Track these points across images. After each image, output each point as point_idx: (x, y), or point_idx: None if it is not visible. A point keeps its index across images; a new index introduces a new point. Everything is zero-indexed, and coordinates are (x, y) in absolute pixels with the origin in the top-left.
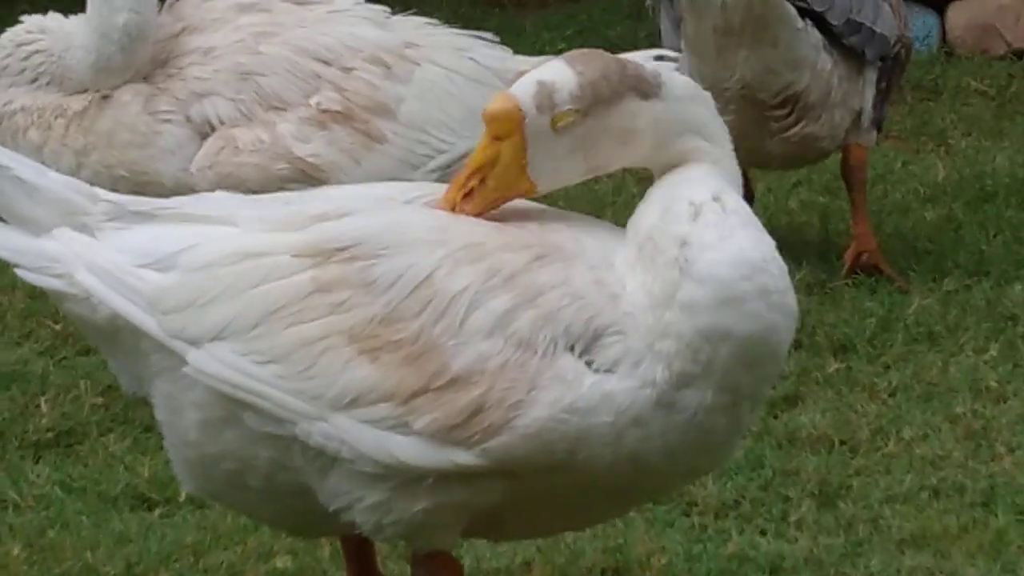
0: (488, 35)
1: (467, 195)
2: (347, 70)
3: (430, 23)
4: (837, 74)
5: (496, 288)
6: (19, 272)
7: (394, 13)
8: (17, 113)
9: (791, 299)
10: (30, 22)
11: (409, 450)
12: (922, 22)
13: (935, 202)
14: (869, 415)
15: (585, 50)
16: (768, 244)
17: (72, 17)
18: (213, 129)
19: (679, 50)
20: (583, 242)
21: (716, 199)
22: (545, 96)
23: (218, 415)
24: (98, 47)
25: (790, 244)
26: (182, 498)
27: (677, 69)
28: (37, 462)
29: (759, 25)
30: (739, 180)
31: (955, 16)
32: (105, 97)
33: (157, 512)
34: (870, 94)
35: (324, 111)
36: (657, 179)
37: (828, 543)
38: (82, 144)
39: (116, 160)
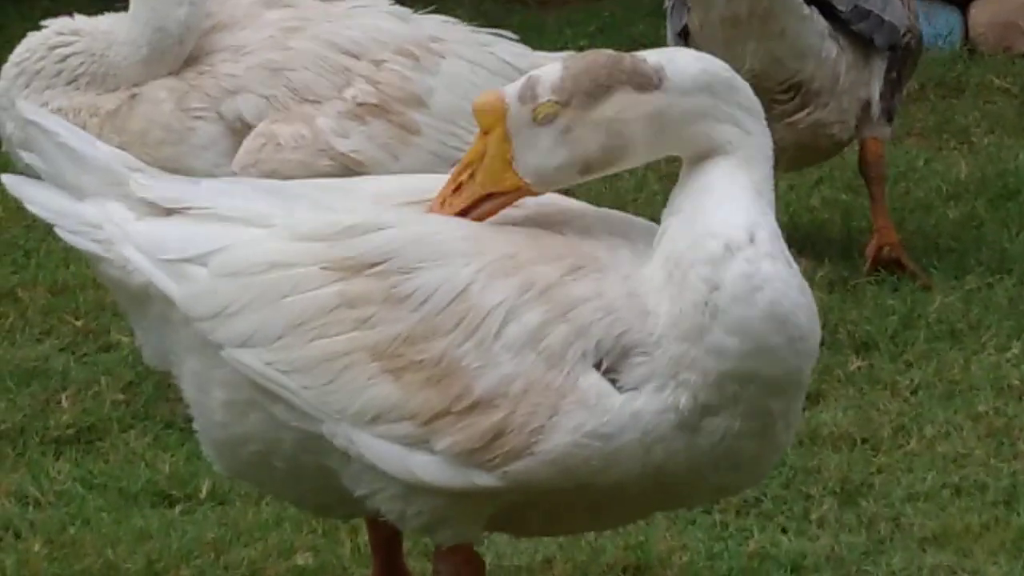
0: (508, 32)
1: (456, 189)
2: (378, 62)
3: (451, 20)
4: (844, 61)
5: (530, 302)
6: (59, 232)
7: (415, 11)
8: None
9: (816, 339)
10: (60, 25)
11: (429, 469)
12: (945, 19)
13: (957, 200)
14: (891, 413)
15: (585, 51)
16: (797, 287)
17: (102, 17)
18: (245, 125)
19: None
20: (618, 251)
21: (751, 237)
22: (528, 88)
23: (245, 396)
24: (151, 41)
25: (812, 241)
26: (203, 494)
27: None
28: (58, 459)
29: (766, 15)
30: (770, 164)
31: (978, 14)
32: (136, 96)
33: (178, 509)
34: (878, 83)
35: (360, 104)
36: (685, 170)
37: (850, 541)
38: (116, 143)
39: (150, 158)
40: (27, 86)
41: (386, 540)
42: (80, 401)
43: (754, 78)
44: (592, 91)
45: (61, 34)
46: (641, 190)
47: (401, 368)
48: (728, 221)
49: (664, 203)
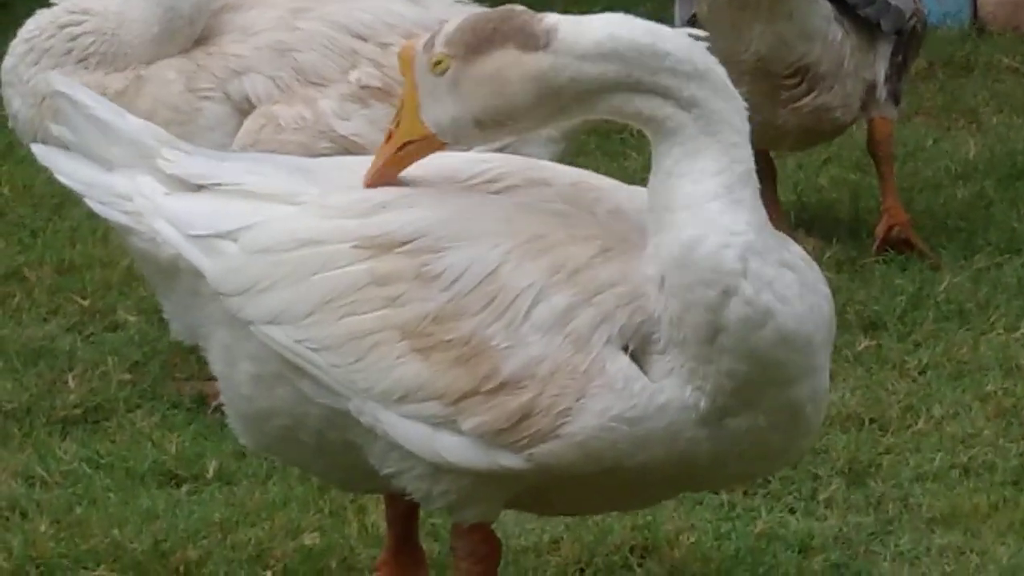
0: (519, 7)
1: (388, 138)
2: (384, 46)
3: (460, 1)
4: (849, 44)
5: (560, 283)
6: (88, 203)
7: None
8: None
9: (826, 324)
10: (70, 3)
11: (455, 450)
12: None
13: (966, 179)
14: (899, 393)
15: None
16: (796, 295)
17: None
18: (252, 105)
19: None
20: (647, 232)
21: (744, 270)
22: (431, 39)
23: (272, 370)
24: (162, 20)
25: (820, 221)
26: (209, 475)
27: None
28: (64, 438)
29: None
30: (738, 129)
31: None
32: (143, 76)
33: (184, 489)
34: (883, 66)
35: (364, 87)
36: (652, 153)
37: (857, 521)
38: None
39: None
40: (35, 63)
41: (403, 515)
42: (87, 381)
43: (760, 61)
44: (475, 45)
45: (72, 12)
46: (648, 171)
47: (430, 347)
48: (716, 253)
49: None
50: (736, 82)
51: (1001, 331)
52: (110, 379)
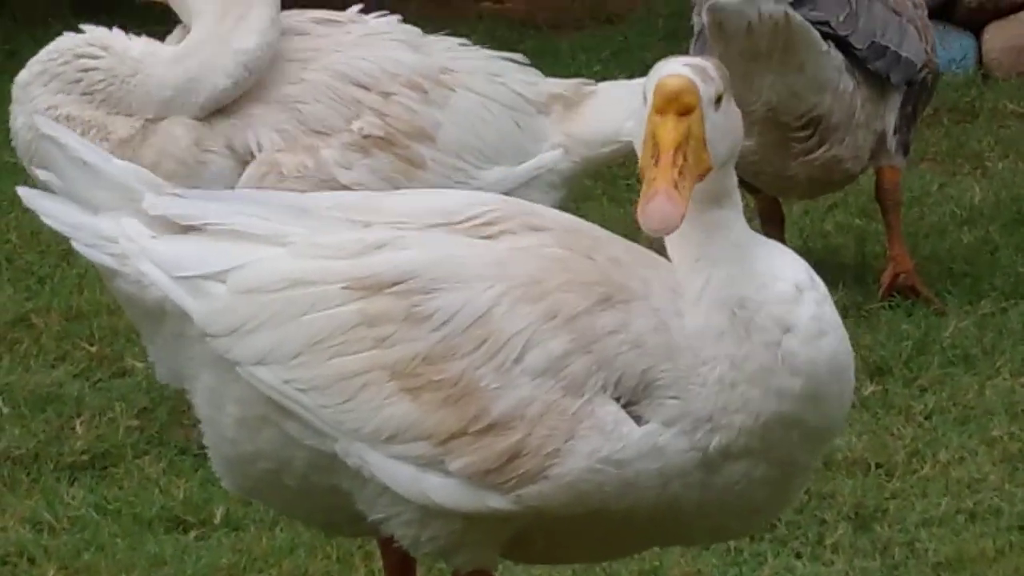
0: (519, 57)
1: (681, 174)
2: (387, 95)
3: (463, 44)
4: (860, 96)
5: (555, 329)
6: (74, 245)
7: (428, 34)
8: (61, 121)
9: (852, 394)
10: (93, 35)
11: (442, 491)
12: (959, 44)
13: (971, 224)
14: (905, 438)
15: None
16: (848, 340)
17: (137, 40)
18: (255, 157)
19: None
20: (649, 282)
21: (811, 279)
22: (703, 72)
23: (258, 413)
24: (180, 89)
25: (826, 266)
26: (217, 520)
27: None
28: (72, 484)
29: (786, 49)
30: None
31: (992, 38)
32: (151, 126)
33: (192, 535)
34: (893, 117)
35: (366, 136)
36: (697, 217)
37: (864, 566)
38: None
39: None
40: (45, 85)
41: (400, 564)
42: (94, 427)
43: (771, 112)
44: (728, 87)
45: (91, 45)
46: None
47: (419, 387)
48: (790, 264)
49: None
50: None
51: (1007, 376)
52: (118, 425)
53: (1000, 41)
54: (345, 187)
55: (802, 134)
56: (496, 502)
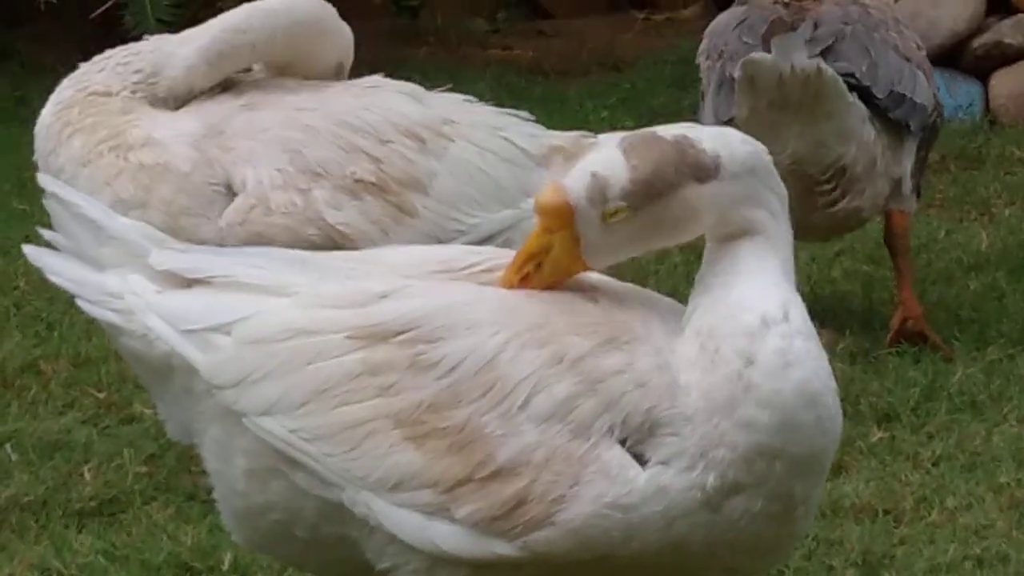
0: (524, 113)
1: (524, 279)
2: (384, 143)
3: (468, 100)
4: (880, 144)
5: (560, 373)
6: (79, 303)
7: (436, 87)
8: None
9: (839, 422)
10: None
11: (449, 539)
12: (965, 91)
13: (979, 271)
14: (913, 484)
15: (643, 137)
16: (826, 369)
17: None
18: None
19: (725, 119)
20: (651, 324)
21: (785, 315)
22: (597, 191)
23: (267, 464)
24: (206, 57)
25: (834, 313)
26: (225, 566)
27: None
28: (81, 531)
29: (815, 100)
30: (791, 247)
31: (999, 85)
32: (162, 161)
33: None
34: (909, 162)
35: (358, 180)
36: (712, 249)
37: None
38: (129, 195)
39: (163, 224)
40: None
41: None
42: (102, 473)
43: (796, 163)
44: (658, 191)
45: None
46: (663, 262)
47: (424, 435)
48: (762, 296)
49: (685, 275)
50: None
51: (1014, 423)
52: (126, 471)
53: (1007, 88)
54: (331, 227)
55: (827, 186)
56: (503, 549)
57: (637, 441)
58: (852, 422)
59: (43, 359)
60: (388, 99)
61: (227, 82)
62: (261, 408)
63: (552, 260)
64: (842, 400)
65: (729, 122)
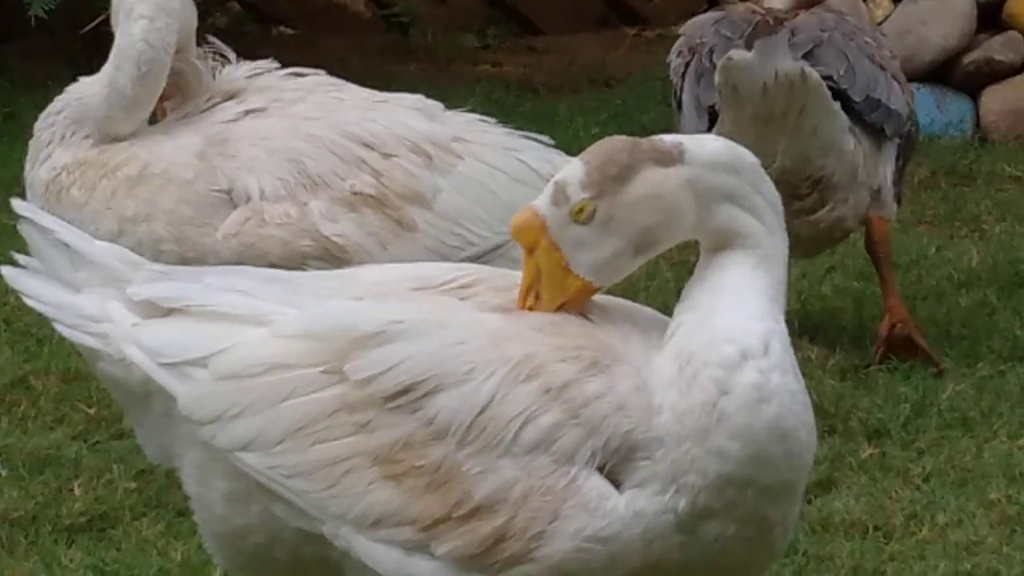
0: (545, 138)
1: (532, 308)
2: (388, 156)
3: (483, 120)
4: (861, 153)
5: (548, 402)
6: (57, 327)
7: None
8: (61, 173)
9: (812, 453)
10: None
11: (429, 575)
12: (956, 107)
13: (969, 287)
14: (903, 500)
15: (600, 141)
16: (802, 403)
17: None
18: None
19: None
20: (630, 340)
21: (765, 349)
22: (559, 192)
23: (246, 487)
24: (112, 79)
25: (824, 329)
26: None
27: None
28: (70, 547)
29: (801, 111)
30: (786, 268)
31: (989, 101)
32: (161, 171)
33: None
34: (889, 171)
35: (356, 193)
36: (702, 262)
37: None
38: (132, 212)
39: (168, 235)
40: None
41: None
42: (92, 489)
43: (783, 175)
44: (618, 175)
45: (58, 99)
46: (653, 278)
47: (401, 474)
48: (744, 327)
49: (676, 290)
50: None
51: (1004, 439)
52: (116, 487)
53: (997, 104)
54: (326, 238)
55: (806, 196)
56: None
57: (615, 464)
58: (842, 438)
59: (33, 375)
60: (396, 113)
61: (230, 91)
62: (239, 444)
63: (546, 282)
64: (832, 416)
65: (711, 108)
